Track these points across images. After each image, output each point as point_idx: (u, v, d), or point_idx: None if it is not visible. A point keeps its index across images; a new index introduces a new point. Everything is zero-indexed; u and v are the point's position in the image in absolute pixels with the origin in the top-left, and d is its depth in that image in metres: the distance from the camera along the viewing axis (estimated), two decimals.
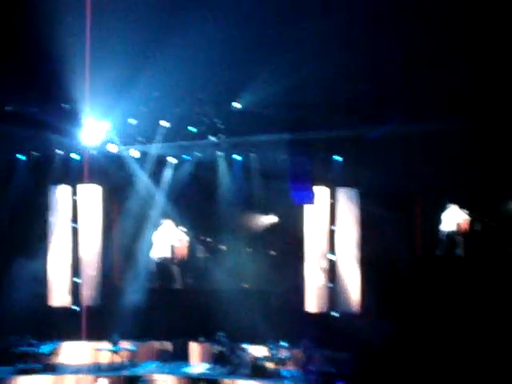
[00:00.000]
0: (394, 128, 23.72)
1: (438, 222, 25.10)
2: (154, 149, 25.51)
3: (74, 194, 27.59)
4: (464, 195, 24.87)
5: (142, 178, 26.64)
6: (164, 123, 23.99)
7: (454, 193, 24.87)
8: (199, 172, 26.66)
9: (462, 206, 24.79)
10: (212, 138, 24.77)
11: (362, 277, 25.32)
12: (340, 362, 24.40)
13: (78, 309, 27.20)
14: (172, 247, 26.75)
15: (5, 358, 25.40)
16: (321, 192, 25.32)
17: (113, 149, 25.87)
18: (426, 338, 23.38)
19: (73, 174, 27.26)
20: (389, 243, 24.53)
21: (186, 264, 27.26)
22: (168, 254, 26.71)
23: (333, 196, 25.84)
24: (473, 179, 23.89)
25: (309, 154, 23.61)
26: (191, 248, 27.15)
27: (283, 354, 24.45)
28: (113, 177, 27.05)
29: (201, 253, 27.89)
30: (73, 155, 26.86)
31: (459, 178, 24.09)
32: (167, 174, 27.04)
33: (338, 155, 25.61)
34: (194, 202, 26.96)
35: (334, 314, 25.64)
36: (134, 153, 26.35)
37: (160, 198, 27.14)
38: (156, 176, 26.81)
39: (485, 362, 21.92)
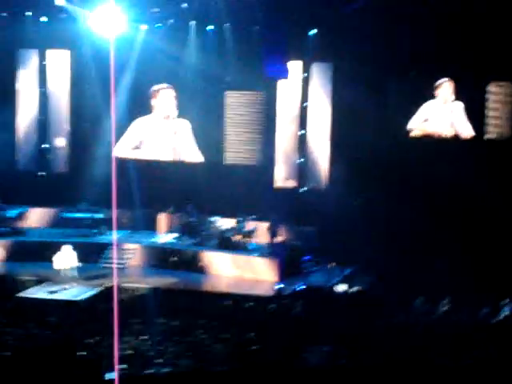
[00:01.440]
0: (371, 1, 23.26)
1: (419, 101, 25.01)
2: (122, 13, 24.56)
3: (43, 59, 27.03)
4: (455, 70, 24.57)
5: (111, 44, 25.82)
6: None
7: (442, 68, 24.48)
8: (169, 41, 25.83)
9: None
10: (184, 5, 23.90)
11: (332, 153, 25.26)
12: (306, 236, 24.76)
13: (43, 174, 27.15)
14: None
15: None
16: (295, 66, 24.86)
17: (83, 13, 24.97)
18: (391, 214, 23.72)
19: (42, 38, 26.58)
20: (362, 121, 24.29)
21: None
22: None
23: (307, 70, 25.45)
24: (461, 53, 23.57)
25: (284, 26, 23.01)
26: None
27: (251, 227, 24.66)
28: (82, 41, 26.27)
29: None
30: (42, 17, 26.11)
31: (445, 53, 23.72)
32: (137, 40, 26.28)
33: (314, 28, 24.99)
34: (164, 71, 26.34)
35: (302, 189, 25.76)
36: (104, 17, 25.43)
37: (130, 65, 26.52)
38: (124, 43, 26.11)
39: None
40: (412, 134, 25.21)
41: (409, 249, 22.38)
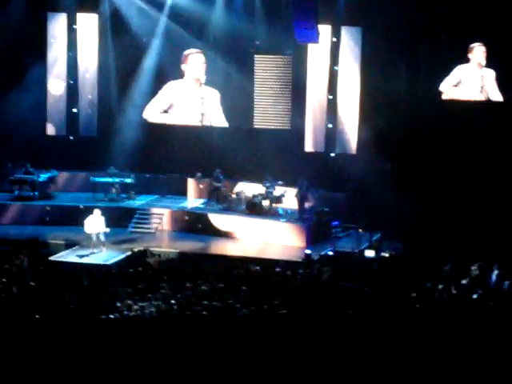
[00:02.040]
0: None
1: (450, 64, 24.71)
2: None
3: (73, 22, 26.96)
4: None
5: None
6: None
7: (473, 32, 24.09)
8: (197, 4, 25.69)
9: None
10: None
11: (362, 118, 25.03)
12: (335, 201, 24.65)
13: (72, 138, 27.19)
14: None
15: (2, 185, 25.76)
16: (324, 30, 24.53)
17: None
18: (419, 177, 23.55)
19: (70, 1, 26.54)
20: (392, 86, 24.03)
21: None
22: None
23: (336, 35, 25.16)
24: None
25: None
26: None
27: (279, 192, 24.59)
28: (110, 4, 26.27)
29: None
30: None
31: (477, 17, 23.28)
32: (166, 3, 26.13)
33: None
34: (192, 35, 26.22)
35: (331, 154, 25.60)
36: None
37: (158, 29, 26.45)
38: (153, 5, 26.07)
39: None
40: (443, 98, 24.93)
41: (438, 214, 22.22)
